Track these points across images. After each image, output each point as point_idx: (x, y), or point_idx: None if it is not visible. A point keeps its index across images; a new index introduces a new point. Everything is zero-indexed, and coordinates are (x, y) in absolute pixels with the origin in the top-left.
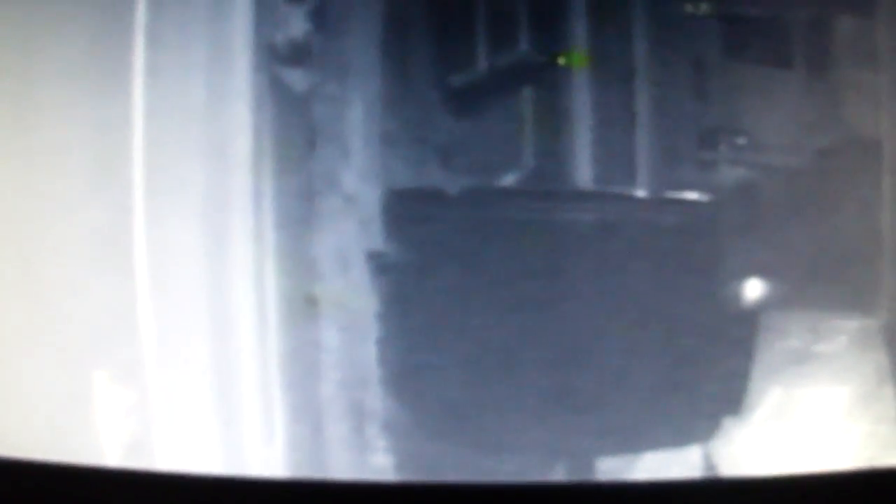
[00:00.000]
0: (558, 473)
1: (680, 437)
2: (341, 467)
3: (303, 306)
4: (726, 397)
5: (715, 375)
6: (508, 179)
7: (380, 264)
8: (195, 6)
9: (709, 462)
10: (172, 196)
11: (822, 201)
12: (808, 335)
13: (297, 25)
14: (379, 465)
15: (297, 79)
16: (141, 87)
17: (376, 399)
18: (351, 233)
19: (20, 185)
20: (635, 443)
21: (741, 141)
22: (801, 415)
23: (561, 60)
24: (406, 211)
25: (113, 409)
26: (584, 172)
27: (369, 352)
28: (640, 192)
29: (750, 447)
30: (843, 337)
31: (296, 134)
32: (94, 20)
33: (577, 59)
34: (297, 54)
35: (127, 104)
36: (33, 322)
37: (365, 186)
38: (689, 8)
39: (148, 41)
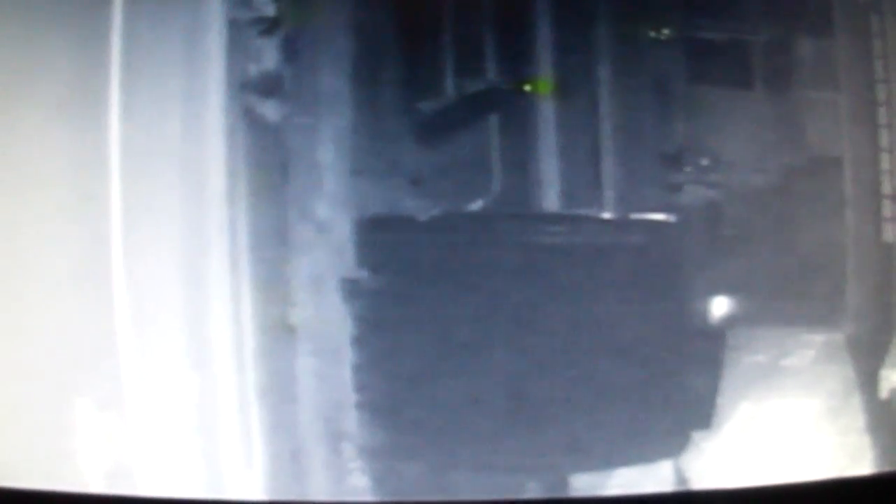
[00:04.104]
0: (533, 491)
1: (652, 452)
2: (319, 489)
3: (279, 332)
4: (696, 412)
5: (684, 391)
6: (478, 204)
7: (353, 290)
8: (170, 40)
9: (680, 476)
10: (150, 227)
11: (786, 219)
12: (775, 350)
13: (269, 58)
14: (356, 486)
15: (269, 110)
16: (117, 121)
17: (352, 422)
18: (325, 260)
19: (1, 217)
20: (608, 459)
21: (705, 162)
22: (770, 428)
23: (527, 87)
24: (378, 237)
25: (94, 436)
26: (551, 196)
27: (345, 376)
28: (607, 214)
29: (721, 460)
30: (809, 351)
31: (269, 164)
32: (70, 57)
33: (542, 86)
34: (270, 86)
35: (104, 137)
36: (14, 352)
37: (337, 214)
38: (651, 33)
39: (123, 75)
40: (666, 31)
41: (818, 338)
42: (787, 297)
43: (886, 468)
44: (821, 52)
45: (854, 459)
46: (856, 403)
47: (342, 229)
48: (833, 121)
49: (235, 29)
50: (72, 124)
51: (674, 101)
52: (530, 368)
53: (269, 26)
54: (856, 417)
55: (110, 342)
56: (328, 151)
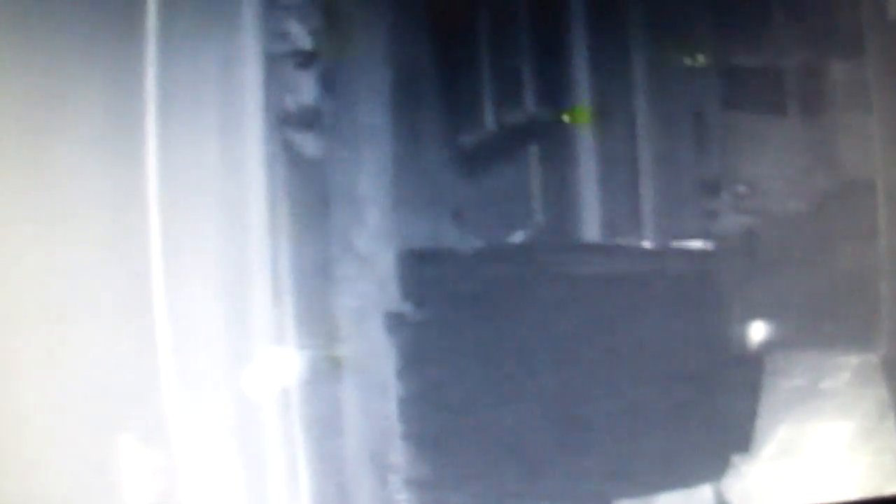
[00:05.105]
0: None
1: (693, 476)
2: None
3: (324, 366)
4: (736, 436)
5: (724, 415)
6: (519, 236)
7: (398, 323)
8: (206, 72)
9: (721, 499)
10: (191, 261)
11: (822, 243)
12: (812, 373)
13: (307, 91)
14: None
15: (308, 143)
16: (155, 155)
17: (399, 454)
18: (368, 293)
19: (42, 254)
20: (651, 484)
21: (742, 188)
22: (808, 449)
23: (565, 117)
24: (421, 270)
25: (139, 470)
26: (592, 226)
27: (391, 408)
28: (647, 243)
29: (761, 483)
30: (845, 373)
31: (310, 197)
32: (106, 89)
33: (580, 116)
34: (309, 119)
35: (142, 172)
36: (57, 388)
37: (380, 247)
38: (687, 61)
39: (160, 109)
40: (701, 59)
41: (853, 360)
42: (824, 321)
43: None
44: (854, 76)
45: (888, 479)
46: (890, 424)
47: (385, 262)
48: (866, 144)
49: (272, 62)
50: (109, 159)
51: (710, 128)
52: (574, 397)
53: (305, 59)
54: (891, 437)
55: (153, 376)
56: (369, 185)
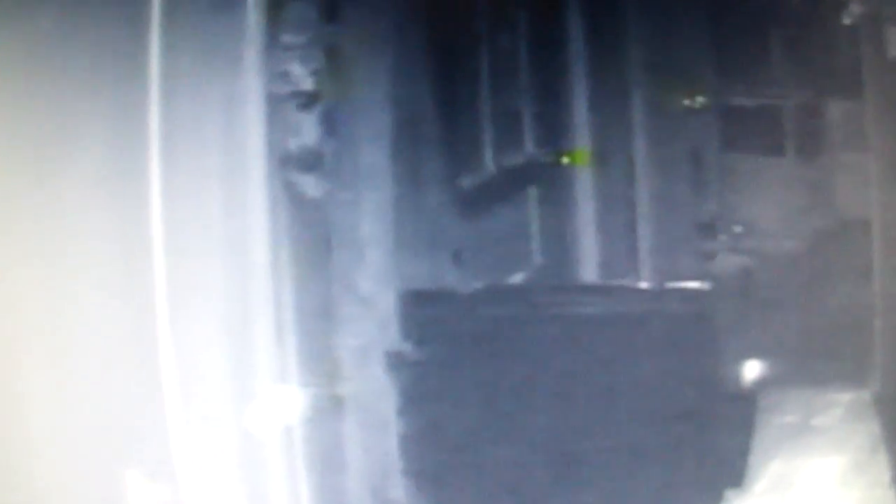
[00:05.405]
0: None
1: None
2: None
3: (326, 404)
4: (730, 471)
5: (718, 451)
6: (518, 277)
7: (398, 362)
8: (209, 113)
9: None
10: (195, 301)
11: (816, 282)
12: (804, 410)
13: (308, 132)
14: None
15: (310, 184)
16: (159, 195)
17: (399, 490)
18: (369, 333)
19: (48, 293)
20: None
21: (738, 229)
22: (800, 484)
23: (565, 160)
24: (421, 310)
25: None
26: (590, 267)
27: (391, 444)
28: (643, 284)
29: None
30: (838, 410)
31: (312, 238)
32: (110, 130)
33: (579, 158)
34: (310, 160)
35: (146, 212)
36: (65, 426)
37: (381, 288)
38: (685, 103)
39: (163, 149)
40: (699, 101)
41: (846, 396)
42: (817, 358)
43: None
44: (852, 116)
45: None
46: (881, 458)
47: (385, 303)
48: (863, 184)
49: (274, 103)
50: (114, 199)
51: (708, 169)
52: (571, 433)
53: (307, 100)
54: (881, 471)
55: (159, 413)
56: (370, 226)
